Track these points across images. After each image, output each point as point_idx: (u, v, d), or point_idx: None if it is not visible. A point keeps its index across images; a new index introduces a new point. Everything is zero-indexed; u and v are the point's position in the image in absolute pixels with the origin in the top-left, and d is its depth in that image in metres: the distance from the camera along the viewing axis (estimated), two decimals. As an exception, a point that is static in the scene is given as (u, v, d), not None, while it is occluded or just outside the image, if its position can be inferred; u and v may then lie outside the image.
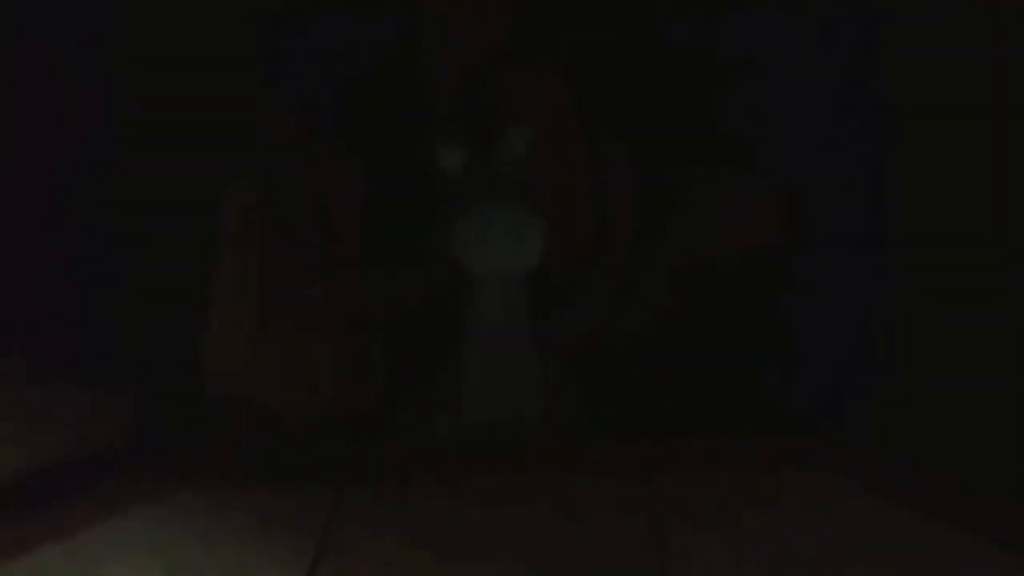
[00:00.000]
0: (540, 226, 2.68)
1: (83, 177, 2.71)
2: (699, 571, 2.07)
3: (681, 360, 2.64)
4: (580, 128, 2.72)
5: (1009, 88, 2.48)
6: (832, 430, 2.54)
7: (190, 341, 2.67)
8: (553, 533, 2.23)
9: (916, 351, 2.58)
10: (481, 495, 2.38)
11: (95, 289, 2.70)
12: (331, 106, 2.75)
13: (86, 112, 2.71)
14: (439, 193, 2.71)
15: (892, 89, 2.62)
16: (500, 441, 2.62)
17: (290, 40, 2.76)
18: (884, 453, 2.41)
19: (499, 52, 2.74)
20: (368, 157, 2.73)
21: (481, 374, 2.69)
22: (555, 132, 2.72)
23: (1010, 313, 2.47)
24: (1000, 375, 2.44)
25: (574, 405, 2.68)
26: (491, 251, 2.69)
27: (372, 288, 2.73)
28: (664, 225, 2.69)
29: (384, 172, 2.73)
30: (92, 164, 2.71)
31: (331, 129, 2.75)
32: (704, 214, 2.69)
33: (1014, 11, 2.44)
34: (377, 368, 2.71)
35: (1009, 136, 2.49)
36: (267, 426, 2.65)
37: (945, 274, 2.54)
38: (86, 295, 2.69)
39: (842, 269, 2.68)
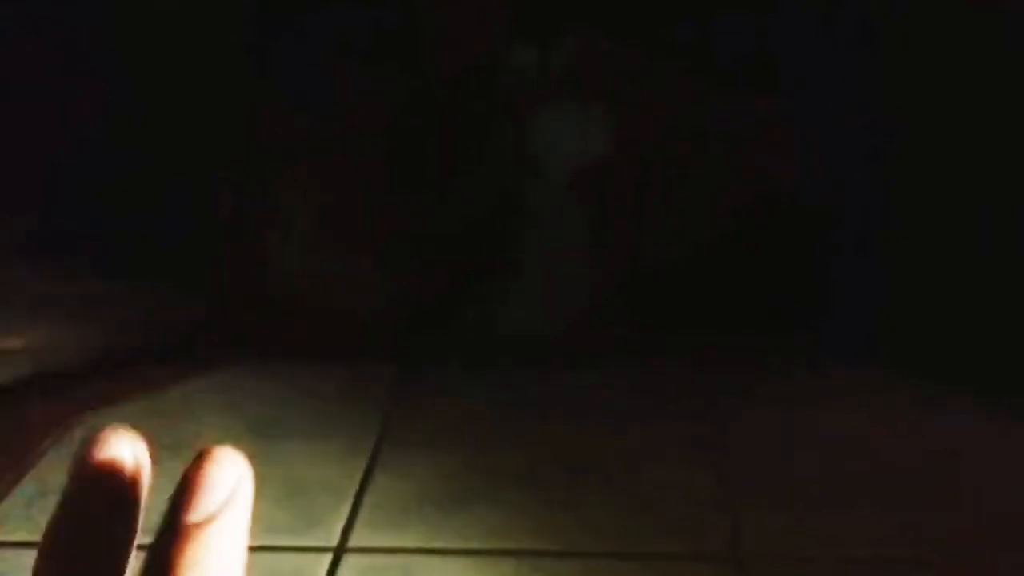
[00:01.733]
0: (601, 127, 2.73)
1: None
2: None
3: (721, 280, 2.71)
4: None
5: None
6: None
7: (254, 246, 2.78)
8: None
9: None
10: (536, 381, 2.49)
11: (168, 198, 2.80)
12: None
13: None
14: (503, 94, 2.78)
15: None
16: (555, 339, 2.67)
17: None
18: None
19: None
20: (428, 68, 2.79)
21: (538, 279, 2.73)
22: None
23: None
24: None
25: (625, 314, 2.73)
26: (555, 150, 2.74)
27: (431, 201, 2.78)
28: (723, 152, 2.74)
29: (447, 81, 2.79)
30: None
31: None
32: (749, 150, 2.74)
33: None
34: (436, 272, 2.76)
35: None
36: (328, 321, 2.72)
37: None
38: (157, 203, 2.79)
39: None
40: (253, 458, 0.47)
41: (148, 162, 2.80)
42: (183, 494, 0.46)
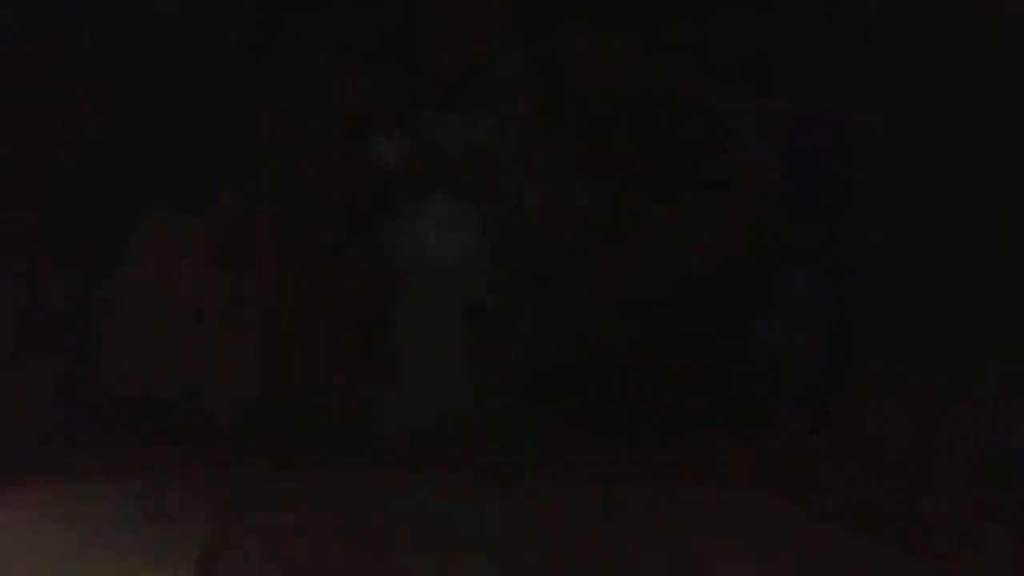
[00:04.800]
0: (477, 219, 2.63)
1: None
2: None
3: (628, 368, 2.62)
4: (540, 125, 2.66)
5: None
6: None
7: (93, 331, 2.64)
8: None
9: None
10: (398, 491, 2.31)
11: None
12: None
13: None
14: (376, 186, 2.65)
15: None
16: (429, 436, 2.57)
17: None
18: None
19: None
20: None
21: (416, 371, 2.63)
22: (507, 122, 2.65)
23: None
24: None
25: (516, 404, 2.63)
26: (431, 245, 2.64)
27: (306, 283, 2.67)
28: (622, 233, 2.66)
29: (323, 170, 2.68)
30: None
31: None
32: (673, 224, 2.66)
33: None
34: (301, 363, 2.65)
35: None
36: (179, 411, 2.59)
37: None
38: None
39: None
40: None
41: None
42: None
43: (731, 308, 2.67)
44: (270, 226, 2.70)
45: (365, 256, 2.66)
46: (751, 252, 2.66)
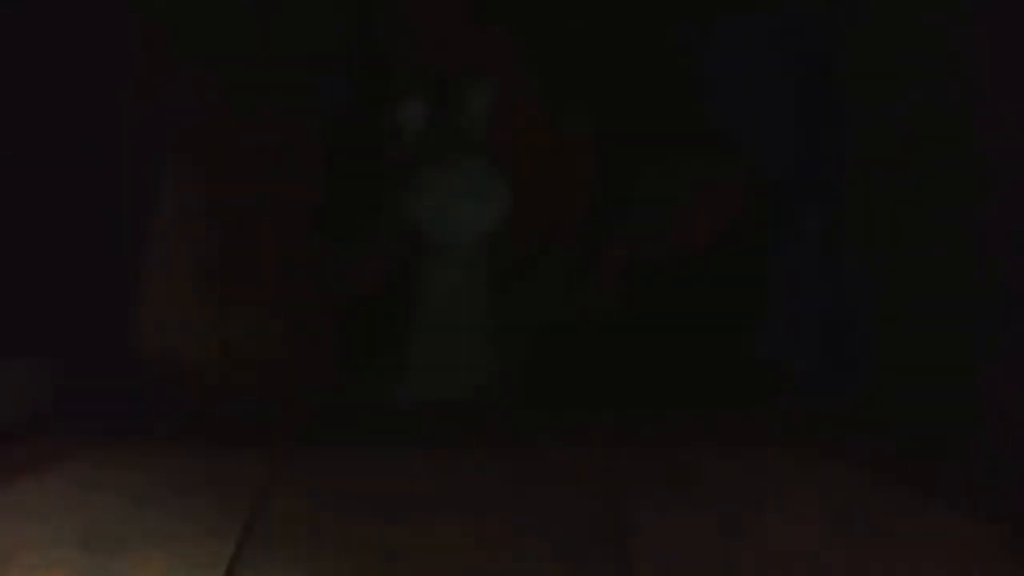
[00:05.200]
0: (501, 188, 2.58)
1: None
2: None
3: (630, 342, 2.59)
4: (542, 94, 2.63)
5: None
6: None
7: (121, 306, 2.58)
8: (503, 498, 2.17)
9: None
10: (428, 461, 2.28)
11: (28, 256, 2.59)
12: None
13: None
14: (397, 155, 2.61)
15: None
16: (451, 412, 2.53)
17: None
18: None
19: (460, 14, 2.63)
20: (322, 121, 2.63)
21: (435, 346, 2.58)
22: (515, 92, 2.62)
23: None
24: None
25: (525, 380, 2.59)
26: (450, 214, 2.57)
27: (323, 260, 2.61)
28: (623, 212, 2.63)
29: (339, 136, 2.64)
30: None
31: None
32: (664, 204, 2.63)
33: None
34: (327, 340, 2.60)
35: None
36: (203, 393, 2.53)
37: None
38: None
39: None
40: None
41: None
42: None
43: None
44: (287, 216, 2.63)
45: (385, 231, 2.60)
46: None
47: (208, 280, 2.59)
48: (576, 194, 2.64)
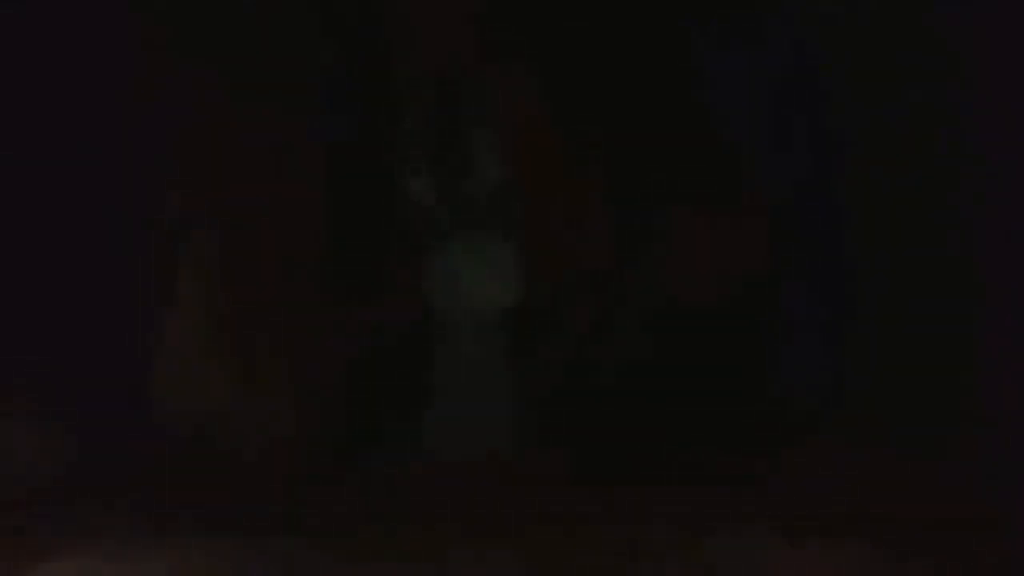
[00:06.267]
0: (517, 260, 2.54)
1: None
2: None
3: (656, 400, 2.51)
4: (557, 144, 2.57)
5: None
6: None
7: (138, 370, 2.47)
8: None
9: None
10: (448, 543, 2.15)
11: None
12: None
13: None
14: (409, 224, 2.54)
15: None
16: (470, 482, 2.42)
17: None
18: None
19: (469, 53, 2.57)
20: (334, 185, 2.55)
21: (453, 412, 2.52)
22: (530, 148, 2.56)
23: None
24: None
25: (549, 444, 2.51)
26: (465, 288, 2.53)
27: (334, 323, 2.53)
28: (639, 262, 2.57)
29: (350, 201, 2.56)
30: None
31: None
32: (681, 252, 2.56)
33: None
34: (340, 404, 2.51)
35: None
36: (222, 464, 2.41)
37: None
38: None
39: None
40: None
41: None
42: None
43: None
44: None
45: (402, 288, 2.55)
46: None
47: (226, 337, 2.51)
48: (594, 246, 2.57)
